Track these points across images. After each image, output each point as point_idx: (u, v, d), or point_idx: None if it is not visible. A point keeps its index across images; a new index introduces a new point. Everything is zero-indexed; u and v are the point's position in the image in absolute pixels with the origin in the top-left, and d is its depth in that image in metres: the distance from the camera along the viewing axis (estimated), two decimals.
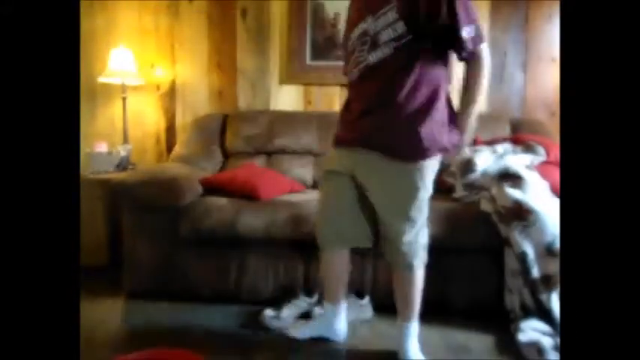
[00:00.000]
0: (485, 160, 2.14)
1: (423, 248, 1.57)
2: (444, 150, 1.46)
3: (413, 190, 1.45)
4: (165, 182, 2.05)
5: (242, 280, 1.99)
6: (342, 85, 2.94)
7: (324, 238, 1.64)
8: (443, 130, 1.44)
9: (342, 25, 2.87)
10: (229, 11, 2.93)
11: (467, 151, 2.33)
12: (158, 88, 3.00)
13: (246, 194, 2.05)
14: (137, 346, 1.62)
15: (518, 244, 1.76)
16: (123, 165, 2.70)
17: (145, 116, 3.01)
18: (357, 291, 1.93)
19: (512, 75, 2.88)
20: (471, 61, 1.44)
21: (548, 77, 2.87)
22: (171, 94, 3.01)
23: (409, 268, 1.54)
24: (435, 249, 1.90)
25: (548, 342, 1.59)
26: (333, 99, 2.96)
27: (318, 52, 2.92)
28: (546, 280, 1.71)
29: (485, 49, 1.44)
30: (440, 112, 1.44)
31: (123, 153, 2.72)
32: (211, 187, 2.17)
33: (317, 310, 1.81)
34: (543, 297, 1.71)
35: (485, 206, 1.93)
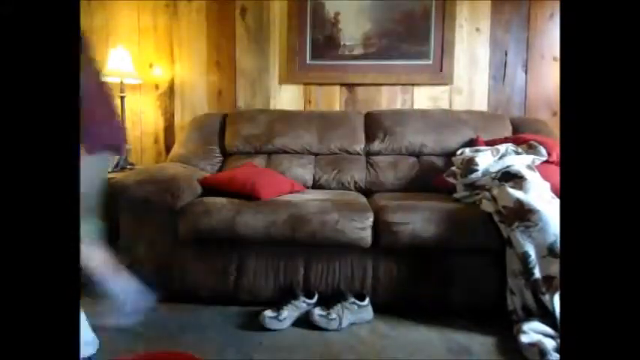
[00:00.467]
0: (487, 160, 2.13)
1: None
2: None
3: None
4: (163, 182, 2.04)
5: (241, 280, 1.98)
6: (342, 85, 2.94)
7: None
8: None
9: (341, 25, 2.87)
10: (228, 10, 2.93)
11: (468, 151, 2.33)
12: (157, 87, 2.99)
13: (246, 194, 2.04)
14: (136, 348, 1.62)
15: (520, 245, 1.75)
16: (121, 165, 2.70)
17: (143, 116, 3.00)
18: (357, 292, 1.92)
19: (514, 74, 2.88)
20: None
21: (549, 76, 2.86)
22: (169, 94, 3.00)
23: None
24: (436, 249, 1.91)
25: (550, 343, 1.58)
26: (333, 98, 2.95)
27: (318, 52, 2.91)
28: (548, 281, 1.70)
29: None
30: None
31: None
32: (210, 187, 2.16)
33: (316, 311, 1.80)
34: (545, 298, 1.70)
35: (487, 206, 1.92)
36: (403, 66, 2.88)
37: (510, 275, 1.82)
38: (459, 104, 2.91)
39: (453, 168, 2.26)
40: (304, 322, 1.81)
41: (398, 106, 2.94)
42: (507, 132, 2.61)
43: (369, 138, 2.68)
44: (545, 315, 1.71)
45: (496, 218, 1.87)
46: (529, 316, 1.75)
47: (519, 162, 2.07)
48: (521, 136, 2.41)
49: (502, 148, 2.20)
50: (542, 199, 1.83)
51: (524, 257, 1.74)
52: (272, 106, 2.97)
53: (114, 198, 2.04)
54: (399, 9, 2.84)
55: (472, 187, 2.12)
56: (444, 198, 2.16)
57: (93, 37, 2.88)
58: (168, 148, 2.97)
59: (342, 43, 2.90)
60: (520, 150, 2.21)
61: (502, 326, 1.78)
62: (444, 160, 2.55)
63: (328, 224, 1.89)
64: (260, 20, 2.93)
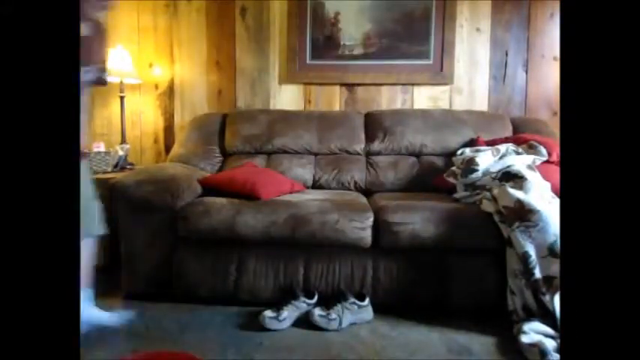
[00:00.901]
0: (487, 160, 2.13)
1: None
2: None
3: None
4: (163, 182, 2.03)
5: (241, 280, 1.98)
6: (342, 85, 2.93)
7: None
8: None
9: (341, 25, 2.87)
10: (228, 10, 2.93)
11: (468, 151, 2.33)
12: (157, 87, 2.99)
13: (246, 194, 2.04)
14: (136, 348, 1.62)
15: (521, 245, 1.75)
16: (121, 165, 2.69)
17: (143, 116, 3.00)
18: (357, 293, 1.92)
19: (514, 74, 2.88)
20: None
21: (550, 76, 2.86)
22: (169, 94, 3.00)
23: None
24: (436, 249, 1.91)
25: (550, 344, 1.57)
26: (333, 98, 2.95)
27: (318, 52, 2.91)
28: (549, 281, 1.70)
29: None
30: None
31: (121, 153, 2.71)
32: (210, 187, 2.16)
33: (316, 311, 1.80)
34: (546, 298, 1.69)
35: (487, 206, 1.92)
36: (403, 66, 2.88)
37: (511, 275, 1.81)
38: (459, 104, 2.91)
39: (453, 168, 2.25)
40: (304, 322, 1.81)
41: (398, 106, 2.94)
42: (508, 132, 2.61)
43: (369, 138, 2.67)
44: (545, 315, 1.71)
45: (496, 218, 1.86)
46: (529, 316, 1.74)
47: (520, 162, 2.07)
48: (522, 136, 2.41)
49: (502, 148, 2.20)
50: (543, 199, 1.83)
51: (524, 257, 1.74)
52: (272, 106, 2.96)
53: (114, 198, 2.04)
54: (399, 9, 2.84)
55: (472, 187, 2.12)
56: (444, 198, 2.16)
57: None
58: (168, 148, 2.97)
59: (342, 43, 2.89)
60: (520, 150, 2.21)
61: (502, 326, 1.78)
62: (444, 160, 2.55)
63: (328, 224, 1.89)
64: (260, 20, 2.92)
